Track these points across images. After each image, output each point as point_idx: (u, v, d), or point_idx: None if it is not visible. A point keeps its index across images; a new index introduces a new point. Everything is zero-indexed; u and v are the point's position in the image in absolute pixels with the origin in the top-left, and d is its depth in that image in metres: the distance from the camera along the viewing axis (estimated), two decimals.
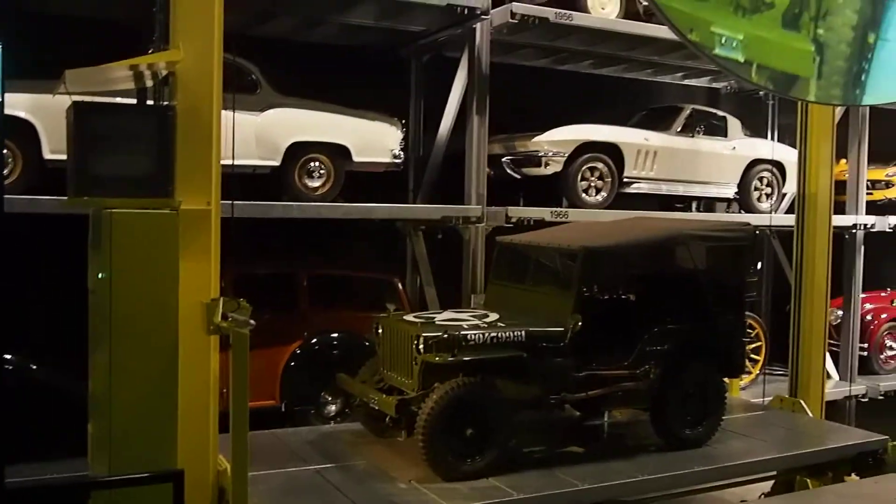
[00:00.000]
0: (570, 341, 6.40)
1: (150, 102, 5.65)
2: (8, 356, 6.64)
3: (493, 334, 6.25)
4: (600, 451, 6.79)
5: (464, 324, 6.40)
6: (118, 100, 6.11)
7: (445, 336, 6.11)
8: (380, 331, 6.90)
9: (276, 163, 8.24)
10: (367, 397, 6.56)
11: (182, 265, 5.10)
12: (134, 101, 5.64)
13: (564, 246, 6.88)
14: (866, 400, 11.59)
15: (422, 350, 6.09)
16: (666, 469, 6.50)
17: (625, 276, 6.74)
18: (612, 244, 6.96)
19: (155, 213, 5.05)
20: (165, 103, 5.38)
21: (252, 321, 5.04)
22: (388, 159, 8.83)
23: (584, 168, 9.61)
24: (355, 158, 8.57)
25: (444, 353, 6.04)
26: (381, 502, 5.67)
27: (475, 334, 6.20)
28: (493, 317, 6.65)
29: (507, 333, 6.29)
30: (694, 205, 11.47)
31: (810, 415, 8.58)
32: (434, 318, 6.71)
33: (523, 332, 6.33)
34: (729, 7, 5.91)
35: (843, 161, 11.74)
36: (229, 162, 5.62)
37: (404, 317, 6.87)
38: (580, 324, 6.39)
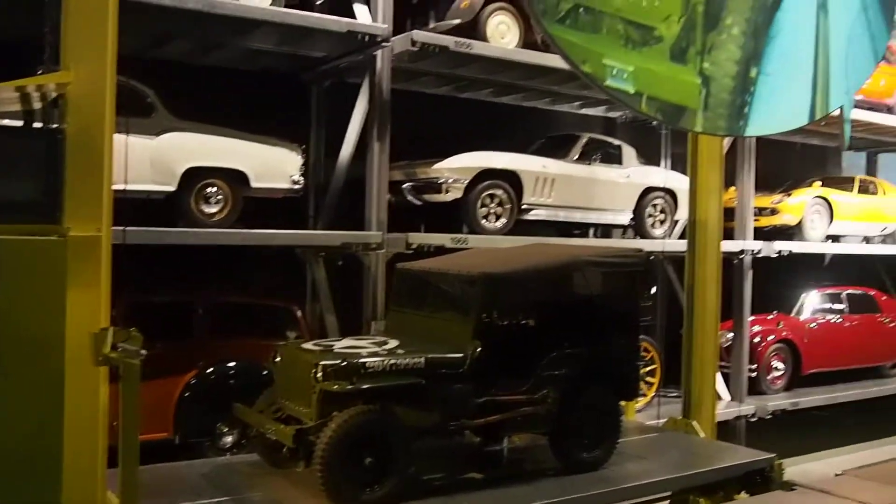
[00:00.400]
0: (470, 367, 6.41)
1: (37, 125, 5.47)
2: None
3: (393, 361, 6.22)
4: (500, 477, 6.79)
5: (363, 351, 6.35)
6: (4, 122, 5.90)
7: (344, 364, 6.05)
8: (277, 359, 6.80)
9: (172, 188, 8.06)
10: (263, 427, 6.42)
11: (70, 294, 4.93)
12: (20, 123, 5.46)
13: (464, 272, 6.92)
14: (755, 419, 12.02)
15: (320, 378, 6.01)
16: (565, 493, 6.56)
17: (523, 301, 6.82)
18: (510, 270, 7.03)
19: (41, 240, 4.87)
20: (54, 126, 5.21)
21: (143, 351, 4.90)
22: (287, 185, 8.74)
23: (483, 195, 9.72)
24: (254, 184, 8.46)
25: (343, 382, 5.97)
26: None
27: (374, 362, 6.16)
28: (393, 344, 6.63)
29: (407, 360, 6.27)
30: (591, 231, 11.73)
31: (702, 436, 8.83)
32: (333, 345, 6.63)
33: (423, 359, 6.32)
34: (620, 40, 6.10)
35: (732, 189, 12.21)
36: (122, 187, 5.47)
37: (302, 345, 6.79)
38: (479, 350, 6.43)
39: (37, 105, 5.50)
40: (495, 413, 6.55)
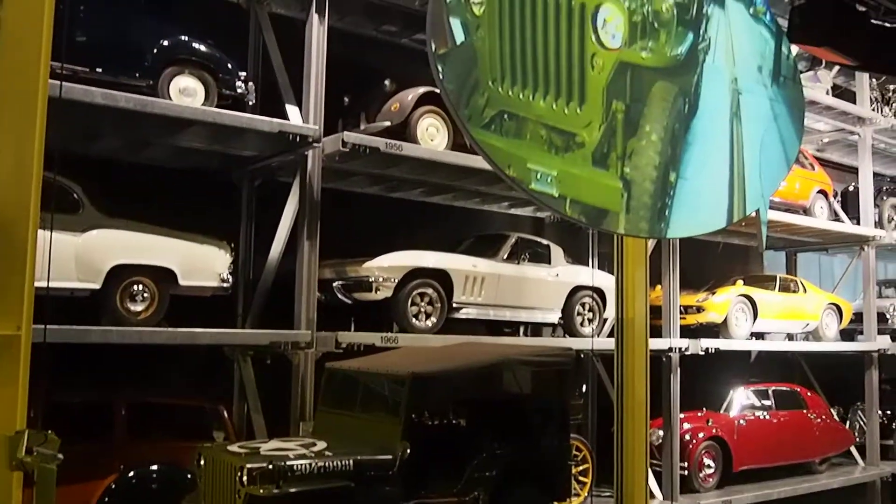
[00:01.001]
0: (399, 469, 6.36)
1: None
2: None
3: (321, 464, 6.14)
4: None
5: (290, 453, 6.25)
6: None
7: (270, 467, 5.94)
8: (202, 462, 6.63)
9: (97, 285, 7.93)
10: None
11: None
12: None
13: (393, 372, 6.91)
14: None
15: (245, 482, 5.89)
16: None
17: (453, 401, 6.81)
18: (439, 370, 7.05)
19: None
20: None
21: (60, 455, 4.73)
22: (216, 283, 8.66)
23: (414, 293, 9.76)
24: (181, 282, 8.36)
25: (269, 485, 5.86)
26: None
27: (301, 464, 6.07)
28: (321, 445, 6.54)
29: (335, 462, 6.19)
30: (521, 329, 11.81)
31: None
32: (259, 447, 6.51)
33: (351, 461, 6.25)
34: (543, 145, 6.32)
35: (658, 287, 12.48)
36: (46, 284, 5.36)
37: (228, 447, 6.65)
38: (409, 451, 6.36)
39: None
40: None
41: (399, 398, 6.66)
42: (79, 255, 7.83)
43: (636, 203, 6.76)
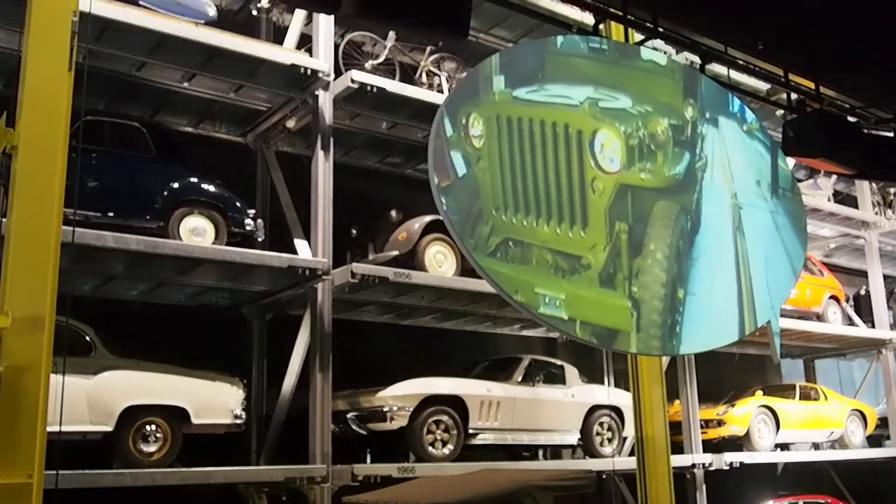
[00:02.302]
0: None
1: None
2: None
3: None
4: None
5: None
6: None
7: None
8: None
9: (109, 428, 7.89)
10: None
11: None
12: None
13: None
14: None
15: None
16: None
17: None
18: (459, 500, 6.89)
19: None
20: None
21: None
22: (229, 420, 8.60)
23: (429, 421, 9.65)
24: (194, 420, 8.31)
25: None
26: None
27: None
28: None
29: None
30: (540, 452, 11.60)
31: None
32: None
33: None
34: (549, 269, 6.36)
35: (677, 402, 12.30)
36: (56, 429, 5.34)
37: None
38: None
39: None
40: None
41: None
42: (91, 397, 7.82)
43: (646, 321, 6.75)
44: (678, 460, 11.16)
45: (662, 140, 7.04)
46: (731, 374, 14.59)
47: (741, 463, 12.45)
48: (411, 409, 9.51)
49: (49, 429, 5.27)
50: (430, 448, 9.60)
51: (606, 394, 11.68)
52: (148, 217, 8.56)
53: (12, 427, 5.00)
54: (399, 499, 7.06)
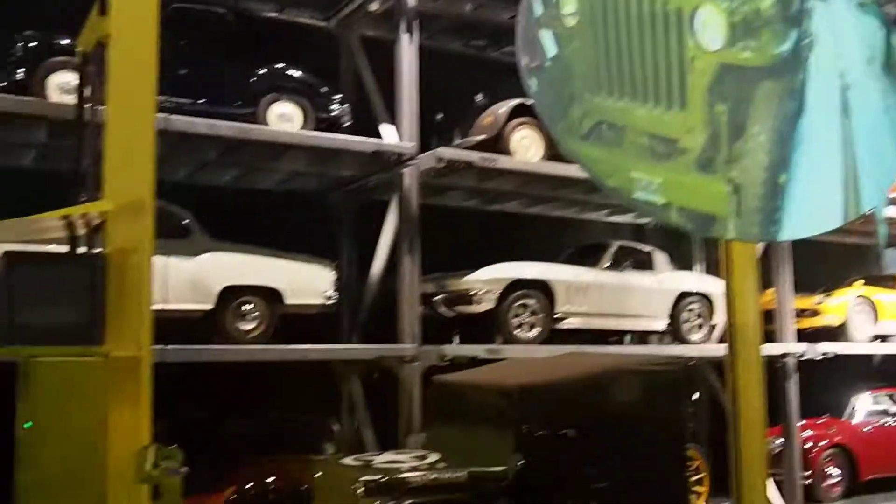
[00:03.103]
0: (513, 481, 6.26)
1: (81, 251, 5.63)
2: None
3: (434, 476, 6.13)
4: None
5: (403, 466, 6.29)
6: (50, 248, 6.08)
7: (385, 479, 5.98)
8: (318, 475, 6.71)
9: (209, 306, 8.21)
10: None
11: (112, 413, 5.00)
12: (65, 249, 5.62)
13: (500, 385, 6.86)
14: None
15: (360, 494, 5.92)
16: None
17: (564, 413, 6.71)
18: (547, 382, 6.95)
19: (82, 361, 4.98)
20: (96, 251, 5.36)
21: (184, 469, 4.90)
22: (320, 301, 8.85)
23: (516, 305, 9.73)
24: (288, 301, 8.58)
25: (384, 497, 5.89)
26: None
27: (415, 477, 6.07)
28: (434, 458, 6.55)
29: (448, 475, 6.16)
30: (627, 338, 11.63)
31: None
32: (372, 460, 6.59)
33: (465, 474, 6.20)
34: (644, 154, 6.16)
35: (770, 291, 12.06)
36: (162, 307, 5.58)
37: (342, 460, 6.76)
38: (521, 463, 6.28)
39: (81, 232, 5.68)
40: None
41: (508, 411, 6.60)
42: (191, 278, 8.13)
43: (745, 207, 6.53)
44: (770, 349, 11.01)
45: (768, 16, 6.63)
46: (828, 263, 14.19)
47: (836, 354, 12.23)
48: (498, 293, 9.60)
49: (154, 307, 5.49)
50: (517, 331, 9.72)
51: (696, 280, 11.55)
52: (237, 104, 8.65)
53: (121, 306, 5.20)
54: (488, 380, 7.17)
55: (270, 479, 8.19)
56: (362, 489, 5.94)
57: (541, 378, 7.02)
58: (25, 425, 4.94)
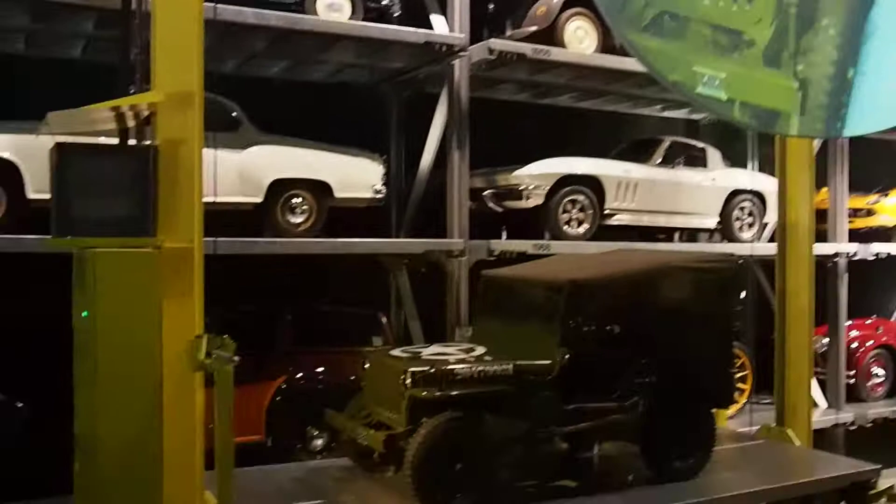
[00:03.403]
0: (558, 375, 6.34)
1: (132, 142, 5.66)
2: None
3: (481, 368, 6.20)
4: (591, 485, 6.68)
5: (450, 358, 6.35)
6: (101, 140, 6.12)
7: (432, 371, 6.06)
8: (366, 366, 6.86)
9: (259, 199, 8.26)
10: (355, 433, 6.48)
11: (165, 303, 5.11)
12: (116, 141, 5.65)
13: (549, 279, 6.86)
14: (854, 428, 11.60)
15: (409, 385, 6.03)
16: (656, 502, 6.46)
17: (611, 308, 6.73)
18: (597, 277, 6.93)
19: (137, 252, 5.06)
20: (147, 143, 5.39)
21: (236, 358, 5.02)
22: (369, 195, 8.86)
23: (565, 201, 9.66)
24: (337, 194, 8.60)
25: (432, 388, 5.98)
26: None
27: (462, 368, 6.15)
28: (480, 351, 6.62)
29: (495, 367, 6.24)
30: (676, 235, 11.53)
31: (798, 444, 8.57)
32: (420, 352, 6.67)
33: (511, 366, 6.28)
34: (708, 47, 5.93)
35: (824, 190, 11.84)
36: (212, 199, 5.62)
37: (391, 352, 6.84)
38: (567, 357, 6.35)
39: (130, 123, 5.69)
40: (584, 421, 6.47)
41: (556, 305, 6.59)
42: (241, 171, 8.16)
43: (812, 102, 6.31)
44: (821, 248, 10.86)
45: None
46: (886, 162, 13.79)
47: (888, 254, 12.04)
48: (547, 188, 9.52)
49: (205, 199, 5.53)
50: (566, 227, 9.67)
51: (749, 178, 11.33)
52: None
53: (172, 196, 5.25)
54: (537, 274, 7.16)
55: (320, 370, 8.43)
56: (410, 380, 6.04)
57: (590, 273, 6.99)
58: (83, 314, 5.07)
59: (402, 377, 6.08)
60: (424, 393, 5.97)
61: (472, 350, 6.66)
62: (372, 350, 6.99)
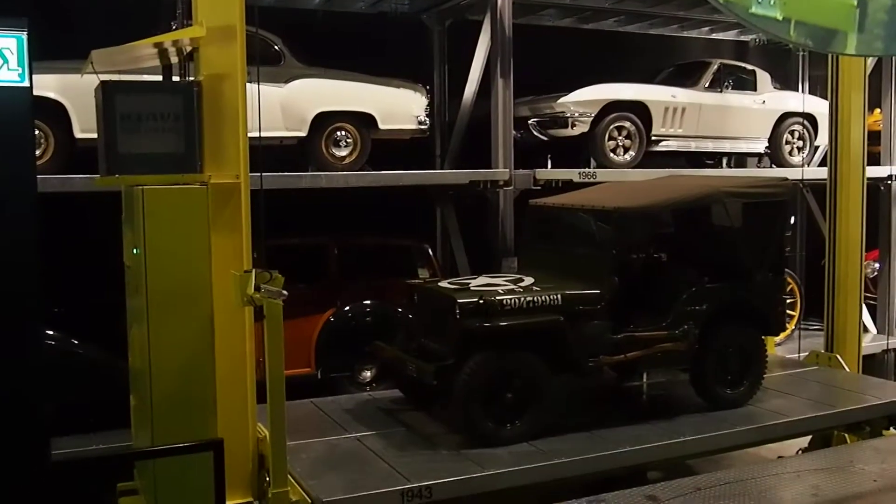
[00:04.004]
0: (607, 304, 6.31)
1: (175, 79, 5.68)
2: (50, 332, 6.77)
3: (530, 299, 6.17)
4: (639, 414, 6.70)
5: (499, 289, 6.32)
6: (145, 78, 6.15)
7: (482, 302, 6.04)
8: (416, 298, 6.87)
9: (303, 133, 8.28)
10: (405, 365, 6.47)
11: (214, 238, 5.18)
12: (160, 78, 5.68)
13: (598, 207, 6.75)
14: None
15: (458, 316, 6.03)
16: (707, 430, 6.41)
17: (661, 236, 6.64)
18: (646, 204, 6.82)
19: (185, 189, 5.13)
20: (191, 79, 5.40)
21: (285, 292, 5.08)
22: (413, 126, 8.82)
23: (611, 128, 9.53)
24: (381, 126, 8.57)
25: (481, 319, 5.97)
26: (423, 469, 5.58)
27: (511, 299, 6.12)
28: (528, 281, 6.57)
29: (544, 297, 6.21)
30: (724, 161, 11.34)
31: (847, 369, 8.52)
32: (469, 283, 6.63)
33: (559, 296, 6.24)
34: None
35: (877, 111, 11.52)
36: (256, 134, 5.64)
37: (439, 283, 6.82)
38: (617, 286, 6.30)
39: (174, 60, 5.71)
40: (634, 349, 6.42)
41: (606, 233, 6.53)
42: (284, 105, 8.16)
43: (871, 20, 6.07)
44: (873, 171, 10.59)
45: None
46: None
47: None
48: (593, 115, 9.40)
49: (249, 134, 5.55)
50: (612, 154, 9.57)
51: (800, 100, 11.05)
52: None
53: (217, 132, 5.28)
54: (585, 202, 7.05)
55: (367, 302, 8.51)
56: (459, 311, 6.03)
57: (640, 200, 6.87)
58: (133, 252, 5.16)
59: (452, 309, 6.08)
60: (475, 324, 5.96)
61: (521, 280, 6.61)
62: (420, 282, 7.00)
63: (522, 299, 6.16)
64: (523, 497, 5.71)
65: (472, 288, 6.43)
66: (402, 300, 8.23)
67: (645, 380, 7.34)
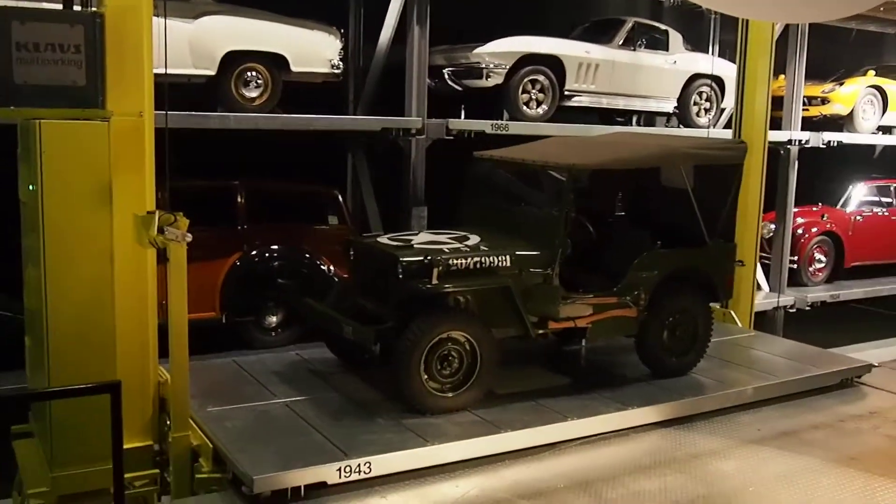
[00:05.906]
0: (558, 265, 6.01)
1: (77, 8, 5.43)
2: None
3: (477, 259, 5.87)
4: (585, 382, 6.47)
5: (444, 248, 5.97)
6: (44, 5, 5.87)
7: (426, 261, 5.70)
8: (351, 253, 6.53)
9: (212, 72, 8.04)
10: (339, 325, 6.06)
11: (115, 177, 5.01)
12: (59, 6, 5.42)
13: (552, 163, 6.36)
14: (794, 311, 12.00)
15: (401, 276, 5.70)
16: (652, 400, 6.19)
17: (615, 196, 6.46)
18: (601, 162, 6.45)
19: (85, 124, 4.93)
20: (94, 9, 5.17)
21: (189, 235, 4.97)
22: (326, 69, 8.65)
23: (525, 80, 9.56)
24: (293, 68, 8.39)
25: (425, 280, 5.64)
26: (361, 441, 5.21)
27: (458, 260, 5.80)
28: (475, 240, 6.22)
29: (492, 258, 5.91)
30: (634, 119, 11.52)
31: (739, 325, 8.84)
32: (411, 240, 6.22)
33: (508, 257, 5.96)
34: None
35: (782, 77, 11.85)
36: (162, 71, 5.45)
37: (378, 239, 6.45)
38: (568, 247, 6.03)
39: None
40: (583, 315, 6.15)
41: (559, 191, 6.14)
42: (192, 41, 7.89)
43: None
44: (775, 136, 10.96)
45: None
46: (844, 51, 13.79)
47: (839, 143, 12.21)
48: (508, 67, 9.40)
49: (155, 70, 5.37)
50: (525, 107, 9.61)
51: (710, 63, 11.28)
52: None
53: (120, 66, 5.09)
54: (537, 158, 6.59)
55: (275, 247, 8.38)
56: (402, 270, 5.70)
57: (594, 158, 6.50)
58: (29, 188, 4.97)
59: (394, 267, 5.75)
60: (419, 286, 5.61)
61: (466, 239, 6.24)
62: (358, 237, 6.62)
63: (469, 260, 5.83)
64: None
65: (415, 245, 6.03)
66: (310, 245, 8.17)
67: (584, 343, 7.03)
